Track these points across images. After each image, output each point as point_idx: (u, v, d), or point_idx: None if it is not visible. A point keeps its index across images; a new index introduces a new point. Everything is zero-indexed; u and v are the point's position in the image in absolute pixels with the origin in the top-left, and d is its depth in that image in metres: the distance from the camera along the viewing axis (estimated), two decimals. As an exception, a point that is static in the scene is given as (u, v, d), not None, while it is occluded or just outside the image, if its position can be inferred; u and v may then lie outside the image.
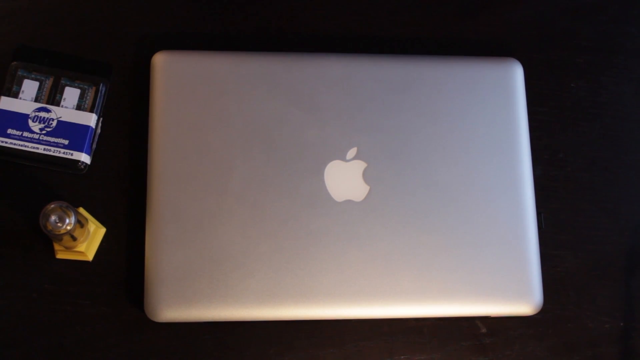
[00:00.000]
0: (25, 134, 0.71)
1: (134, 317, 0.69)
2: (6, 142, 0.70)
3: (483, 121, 0.73)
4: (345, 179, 0.70)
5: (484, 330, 0.72)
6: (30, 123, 0.71)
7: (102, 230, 0.71)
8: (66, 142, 0.71)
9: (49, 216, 0.64)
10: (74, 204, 0.66)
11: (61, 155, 0.71)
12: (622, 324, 0.74)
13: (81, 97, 0.72)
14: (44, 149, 0.71)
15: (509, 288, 0.69)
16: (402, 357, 0.71)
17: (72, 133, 0.71)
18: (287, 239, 0.68)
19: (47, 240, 0.69)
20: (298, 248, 0.68)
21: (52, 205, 0.64)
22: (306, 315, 0.68)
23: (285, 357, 0.70)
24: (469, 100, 0.73)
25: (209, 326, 0.70)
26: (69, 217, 0.64)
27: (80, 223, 0.66)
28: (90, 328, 0.69)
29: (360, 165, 0.71)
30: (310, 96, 0.72)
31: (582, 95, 0.79)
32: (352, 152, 0.71)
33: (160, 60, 0.71)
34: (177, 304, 0.66)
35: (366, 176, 0.70)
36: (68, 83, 0.72)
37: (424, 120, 0.72)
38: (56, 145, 0.71)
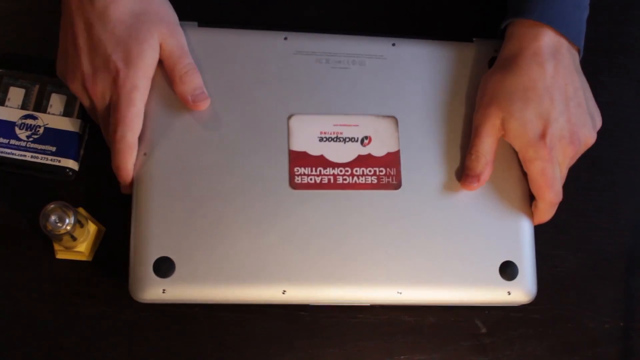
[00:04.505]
0: (12, 141, 0.71)
1: (134, 317, 0.69)
2: (-7, 150, 0.70)
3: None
4: None
5: (484, 330, 0.72)
6: (17, 130, 0.71)
7: (102, 230, 0.71)
8: (53, 149, 0.71)
9: (49, 216, 0.64)
10: (74, 204, 0.66)
11: (49, 162, 0.70)
12: (622, 324, 0.74)
13: (68, 103, 0.72)
14: (32, 157, 0.70)
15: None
16: (402, 357, 0.71)
17: (59, 140, 0.71)
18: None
19: (47, 240, 0.69)
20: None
21: (52, 205, 0.64)
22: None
23: (285, 357, 0.70)
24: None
25: (209, 326, 0.70)
26: (69, 217, 0.64)
27: (80, 223, 0.66)
28: (90, 328, 0.69)
29: None
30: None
31: (582, 95, 0.79)
32: None
33: None
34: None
35: None
36: (54, 90, 0.72)
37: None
38: (44, 152, 0.70)
